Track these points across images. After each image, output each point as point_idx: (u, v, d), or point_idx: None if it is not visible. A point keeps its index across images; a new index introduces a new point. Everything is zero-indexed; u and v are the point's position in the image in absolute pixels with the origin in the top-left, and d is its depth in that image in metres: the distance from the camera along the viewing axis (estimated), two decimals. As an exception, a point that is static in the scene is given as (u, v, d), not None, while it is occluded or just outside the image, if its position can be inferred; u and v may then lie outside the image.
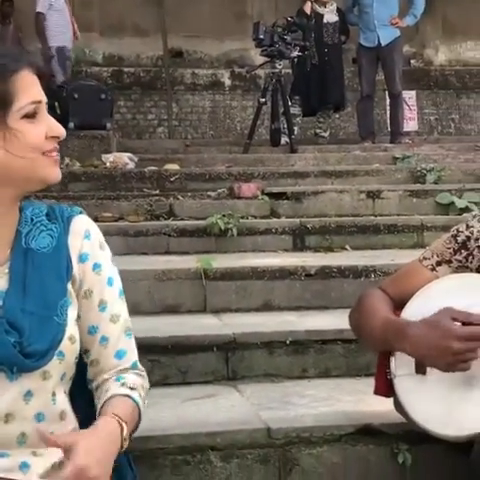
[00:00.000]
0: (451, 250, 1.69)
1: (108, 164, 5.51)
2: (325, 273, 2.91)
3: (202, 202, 4.62)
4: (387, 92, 7.34)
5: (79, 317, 1.34)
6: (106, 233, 4.28)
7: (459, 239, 1.69)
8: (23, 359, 1.23)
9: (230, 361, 2.29)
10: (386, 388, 1.70)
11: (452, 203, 4.69)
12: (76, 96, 5.95)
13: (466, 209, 4.62)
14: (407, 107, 7.93)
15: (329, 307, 2.82)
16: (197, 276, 2.84)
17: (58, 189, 4.61)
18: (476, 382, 1.55)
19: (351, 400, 2.00)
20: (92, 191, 4.92)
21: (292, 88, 7.00)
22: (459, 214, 4.58)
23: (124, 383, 1.32)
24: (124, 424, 1.24)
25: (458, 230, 1.71)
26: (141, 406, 1.33)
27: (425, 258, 1.72)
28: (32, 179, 1.30)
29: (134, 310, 2.77)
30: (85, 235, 1.37)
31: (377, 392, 1.73)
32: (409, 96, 8.18)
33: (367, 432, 1.80)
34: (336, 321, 2.42)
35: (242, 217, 4.37)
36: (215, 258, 3.23)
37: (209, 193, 4.90)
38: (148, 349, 2.26)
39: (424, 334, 1.56)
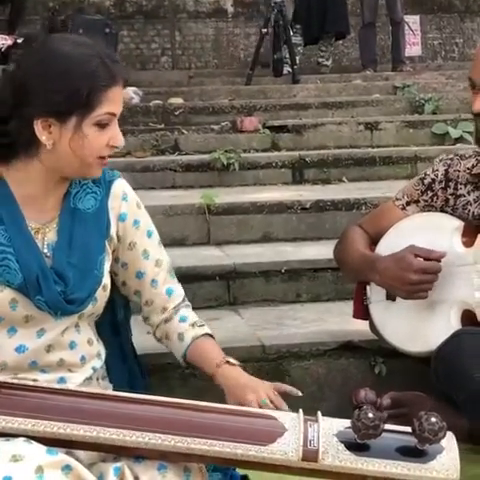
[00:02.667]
0: (419, 191, 1.92)
1: (114, 99, 5.66)
2: (319, 206, 3.14)
3: (206, 136, 4.79)
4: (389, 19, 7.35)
5: (126, 265, 1.56)
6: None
7: (426, 181, 1.91)
8: (66, 305, 1.43)
9: (231, 288, 2.56)
10: (363, 312, 1.97)
11: (447, 133, 4.85)
12: (81, 31, 6.02)
13: (461, 139, 4.79)
14: (411, 32, 7.93)
15: (323, 238, 3.05)
16: (201, 211, 3.08)
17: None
18: (437, 307, 1.80)
19: (337, 321, 2.28)
20: (99, 126, 5.10)
21: (293, 16, 7.02)
22: (453, 144, 4.76)
23: (192, 324, 1.60)
24: (229, 359, 1.54)
25: (425, 173, 1.93)
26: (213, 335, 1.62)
27: (397, 199, 1.95)
28: (77, 173, 1.45)
29: (144, 243, 3.06)
30: (123, 197, 1.55)
31: (355, 316, 2.00)
32: (413, 21, 8.14)
33: (348, 347, 2.08)
34: (328, 251, 2.66)
35: (244, 150, 4.58)
36: (218, 192, 3.46)
37: (212, 126, 5.06)
38: (158, 279, 2.54)
39: (389, 267, 1.79)
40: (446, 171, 1.89)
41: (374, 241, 1.95)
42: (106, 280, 1.51)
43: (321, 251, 2.73)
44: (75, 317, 1.48)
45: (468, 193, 1.86)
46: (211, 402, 2.00)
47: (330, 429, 1.26)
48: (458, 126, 4.87)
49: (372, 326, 1.95)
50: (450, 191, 1.88)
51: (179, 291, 1.64)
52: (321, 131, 4.84)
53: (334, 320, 2.30)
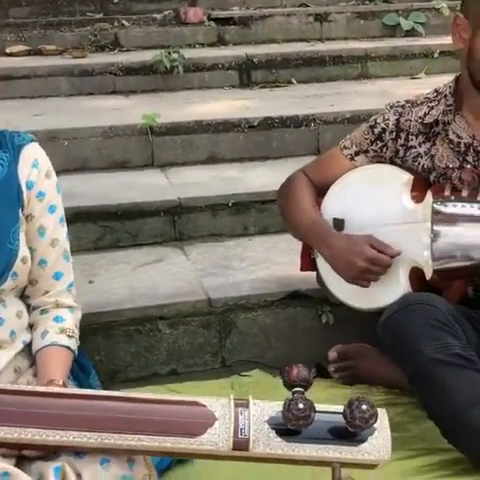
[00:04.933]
0: (368, 141, 1.82)
1: (48, -15, 5.24)
2: (267, 124, 3.01)
3: (148, 30, 4.53)
4: None
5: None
6: (52, 74, 4.16)
7: (376, 130, 1.81)
8: None
9: (177, 223, 2.48)
10: (310, 265, 1.93)
11: (398, 24, 4.67)
12: None
13: (412, 30, 4.64)
14: None
15: (271, 157, 2.97)
16: (143, 132, 2.93)
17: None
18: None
19: (285, 262, 2.23)
20: (34, 17, 4.76)
21: None
22: (404, 36, 4.60)
23: (63, 329, 1.46)
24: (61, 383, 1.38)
25: (376, 121, 1.82)
26: (75, 352, 1.48)
27: (345, 147, 1.85)
28: None
29: (84, 167, 2.94)
30: (33, 164, 1.44)
31: (302, 269, 1.96)
32: None
33: (295, 297, 2.06)
34: (276, 179, 2.57)
35: (189, 45, 4.37)
36: (161, 102, 3.29)
37: (154, 16, 4.77)
38: (100, 216, 2.44)
39: (341, 247, 1.73)
40: (397, 120, 1.79)
41: (320, 191, 1.88)
42: (24, 252, 1.42)
43: (269, 178, 2.65)
44: None
45: (419, 145, 1.77)
46: (157, 358, 2.00)
47: (261, 415, 1.24)
48: (409, 16, 4.70)
49: (319, 280, 1.92)
50: (401, 142, 1.79)
51: (68, 277, 1.51)
52: (269, 23, 4.62)
53: (282, 260, 2.25)
